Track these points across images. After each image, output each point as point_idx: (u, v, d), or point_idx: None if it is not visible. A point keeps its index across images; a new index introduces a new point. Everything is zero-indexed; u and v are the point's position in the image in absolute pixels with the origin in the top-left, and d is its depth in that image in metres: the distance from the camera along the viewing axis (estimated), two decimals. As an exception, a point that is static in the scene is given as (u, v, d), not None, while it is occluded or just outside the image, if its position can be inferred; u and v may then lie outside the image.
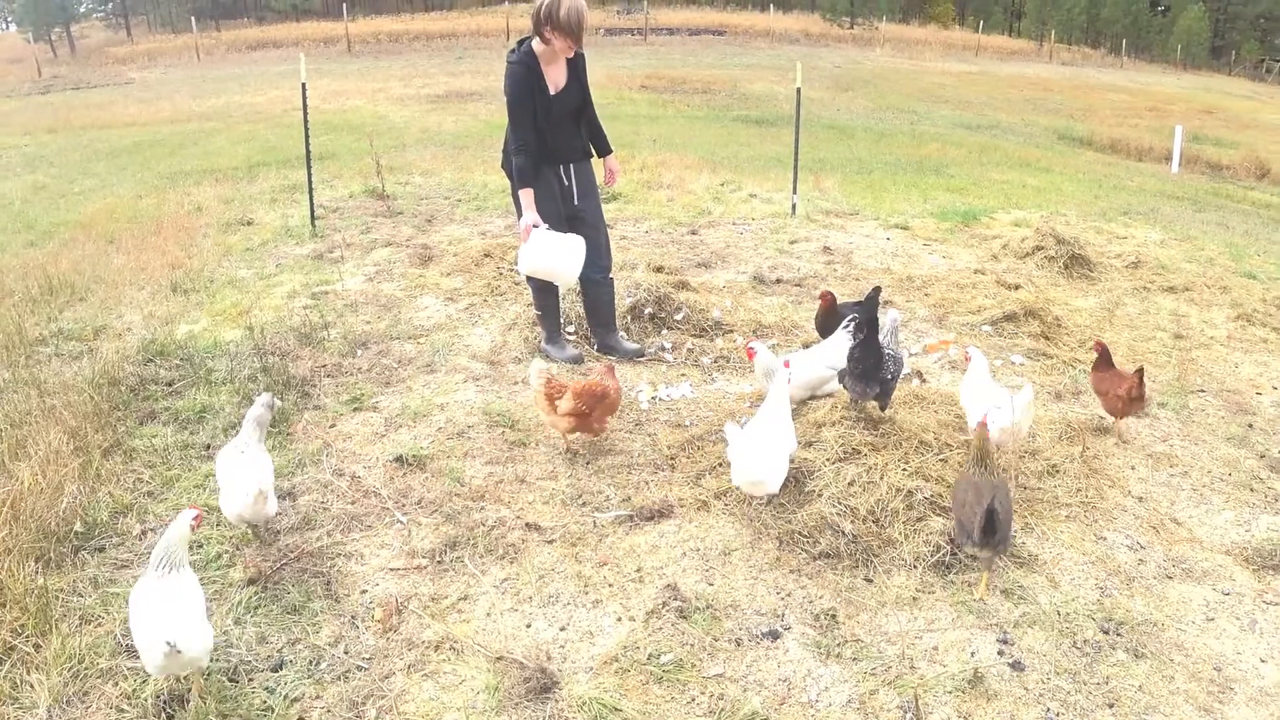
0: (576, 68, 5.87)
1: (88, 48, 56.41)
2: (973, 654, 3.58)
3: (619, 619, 3.74)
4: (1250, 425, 5.77)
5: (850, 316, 5.38)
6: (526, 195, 5.66)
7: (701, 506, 4.53)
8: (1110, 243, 10.38)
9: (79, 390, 5.51)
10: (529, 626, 3.70)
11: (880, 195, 12.97)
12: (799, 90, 11.35)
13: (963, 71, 41.51)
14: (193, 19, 50.89)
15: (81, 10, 72.84)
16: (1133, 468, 5.15)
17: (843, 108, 26.86)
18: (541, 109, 5.67)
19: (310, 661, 3.47)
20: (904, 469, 4.40)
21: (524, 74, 5.59)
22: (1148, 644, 3.67)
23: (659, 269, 7.98)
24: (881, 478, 4.34)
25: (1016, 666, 3.51)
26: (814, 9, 63.28)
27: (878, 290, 5.39)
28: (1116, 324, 7.50)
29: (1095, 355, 5.55)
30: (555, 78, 5.73)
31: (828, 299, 6.22)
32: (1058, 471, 4.92)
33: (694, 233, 10.15)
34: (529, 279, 6.16)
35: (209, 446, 5.04)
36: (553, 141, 5.82)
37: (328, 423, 5.41)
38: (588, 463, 4.99)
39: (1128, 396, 5.21)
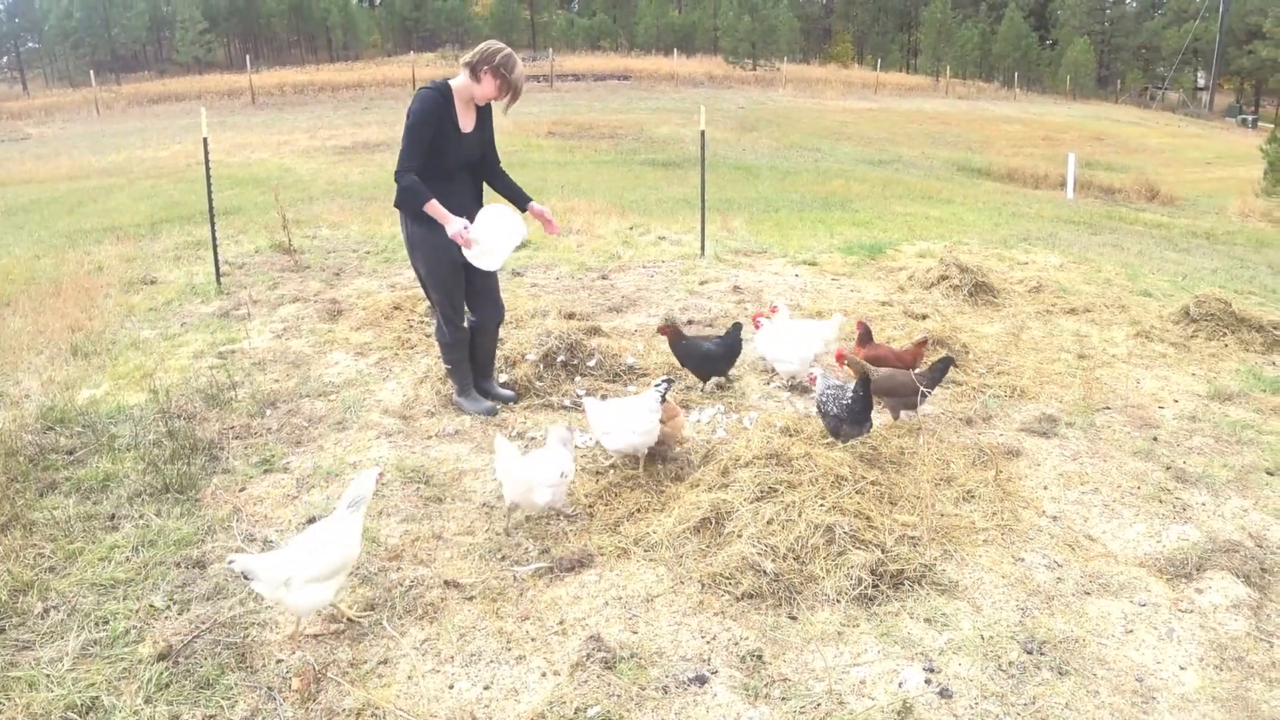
0: (484, 120, 5.86)
1: (-20, 105, 54.95)
2: (900, 684, 3.59)
3: (544, 674, 3.67)
4: (1155, 438, 5.93)
5: (664, 379, 5.44)
6: (434, 206, 5.50)
7: (622, 554, 4.49)
8: (1012, 269, 10.67)
9: (-27, 464, 5.30)
10: (452, 687, 3.61)
11: (787, 233, 13.16)
12: (703, 132, 11.49)
13: (863, 109, 42.52)
14: (91, 73, 49.89)
15: (-26, 65, 71.10)
16: (1045, 487, 5.24)
17: (748, 147, 27.28)
18: (453, 144, 5.62)
19: (224, 737, 3.34)
20: (821, 504, 4.42)
21: (439, 101, 5.52)
22: (1071, 661, 3.72)
23: (570, 315, 7.98)
24: (800, 515, 4.35)
25: (944, 694, 3.52)
26: (717, 52, 64.47)
27: (738, 326, 6.46)
28: (1022, 347, 7.68)
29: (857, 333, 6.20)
30: (465, 119, 5.70)
31: (668, 330, 6.52)
32: (973, 497, 4.99)
33: (604, 277, 10.17)
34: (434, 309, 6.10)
35: (113, 517, 4.87)
36: (457, 198, 5.72)
37: (237, 486, 5.26)
38: (505, 515, 4.92)
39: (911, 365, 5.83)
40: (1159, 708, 3.50)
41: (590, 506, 4.97)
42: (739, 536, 4.33)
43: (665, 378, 5.46)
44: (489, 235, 5.66)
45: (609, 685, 3.55)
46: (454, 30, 75.51)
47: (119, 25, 65.28)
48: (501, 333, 7.06)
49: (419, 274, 6.01)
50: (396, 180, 5.54)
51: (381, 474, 4.13)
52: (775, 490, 4.53)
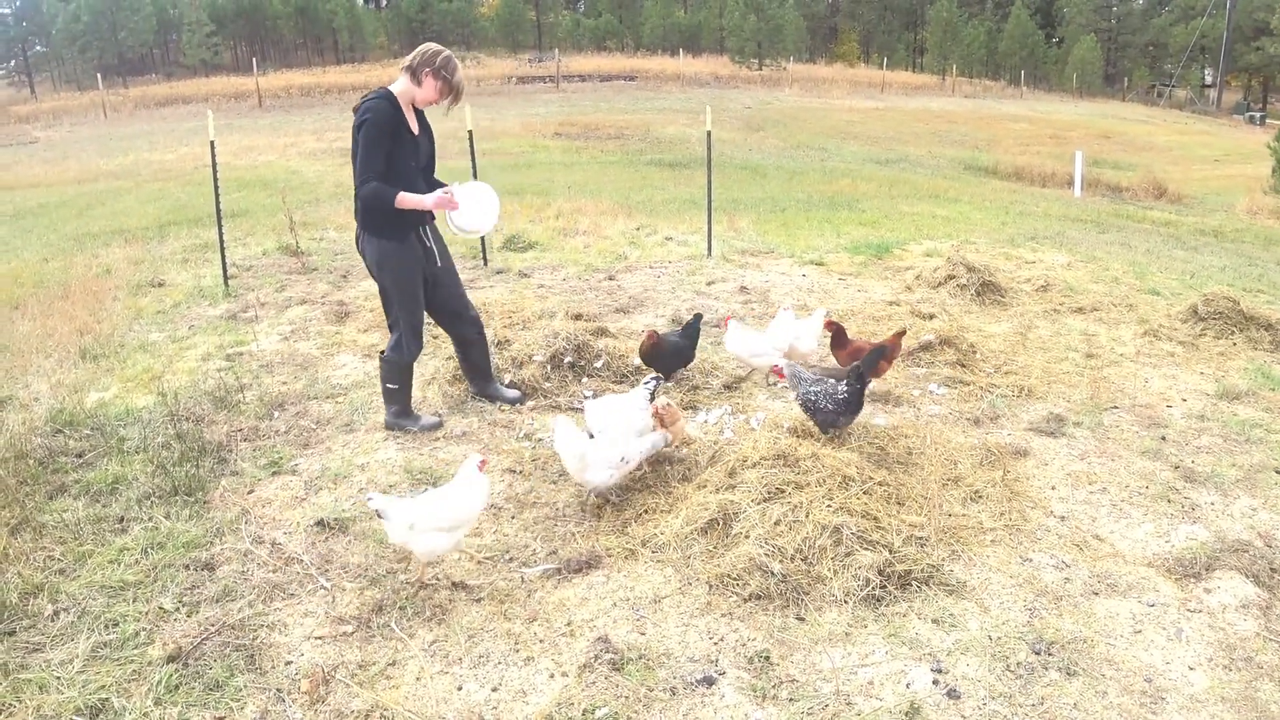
0: (425, 123, 5.82)
1: (-11, 107, 55.11)
2: (908, 685, 3.59)
3: (552, 675, 3.67)
4: (1163, 438, 5.91)
5: (653, 377, 5.57)
6: (405, 197, 5.43)
7: (629, 555, 4.49)
8: (1019, 268, 10.65)
9: (-17, 466, 5.32)
10: (460, 689, 3.62)
11: (794, 232, 13.15)
12: (709, 133, 11.49)
13: (870, 108, 42.48)
14: (99, 76, 49.97)
15: (-19, 68, 71.35)
16: (1053, 488, 5.24)
17: (754, 147, 27.27)
18: (409, 149, 5.57)
19: (234, 739, 3.35)
20: (829, 505, 4.41)
21: (389, 110, 5.44)
22: (1079, 661, 3.72)
23: (577, 316, 7.98)
24: (807, 515, 4.35)
25: (952, 695, 3.52)
26: (723, 52, 64.41)
27: (698, 317, 6.63)
28: (1030, 347, 7.66)
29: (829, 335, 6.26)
30: (412, 123, 5.64)
31: (653, 337, 6.53)
32: (981, 497, 4.99)
33: (611, 278, 10.18)
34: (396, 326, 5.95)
35: (122, 519, 4.88)
36: None
37: (245, 488, 5.27)
38: (513, 517, 4.93)
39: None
40: (1168, 708, 3.49)
41: (598, 508, 4.98)
42: (746, 537, 4.33)
43: (654, 375, 5.48)
44: (471, 202, 5.71)
45: (617, 686, 3.56)
46: (460, 32, 75.51)
47: (126, 28, 65.36)
48: (509, 334, 7.09)
49: (385, 290, 5.85)
50: (360, 191, 5.44)
51: (484, 461, 4.40)
52: (782, 491, 4.53)
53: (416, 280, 5.81)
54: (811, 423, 5.47)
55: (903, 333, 6.44)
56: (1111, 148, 32.83)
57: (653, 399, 5.37)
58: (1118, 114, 49.58)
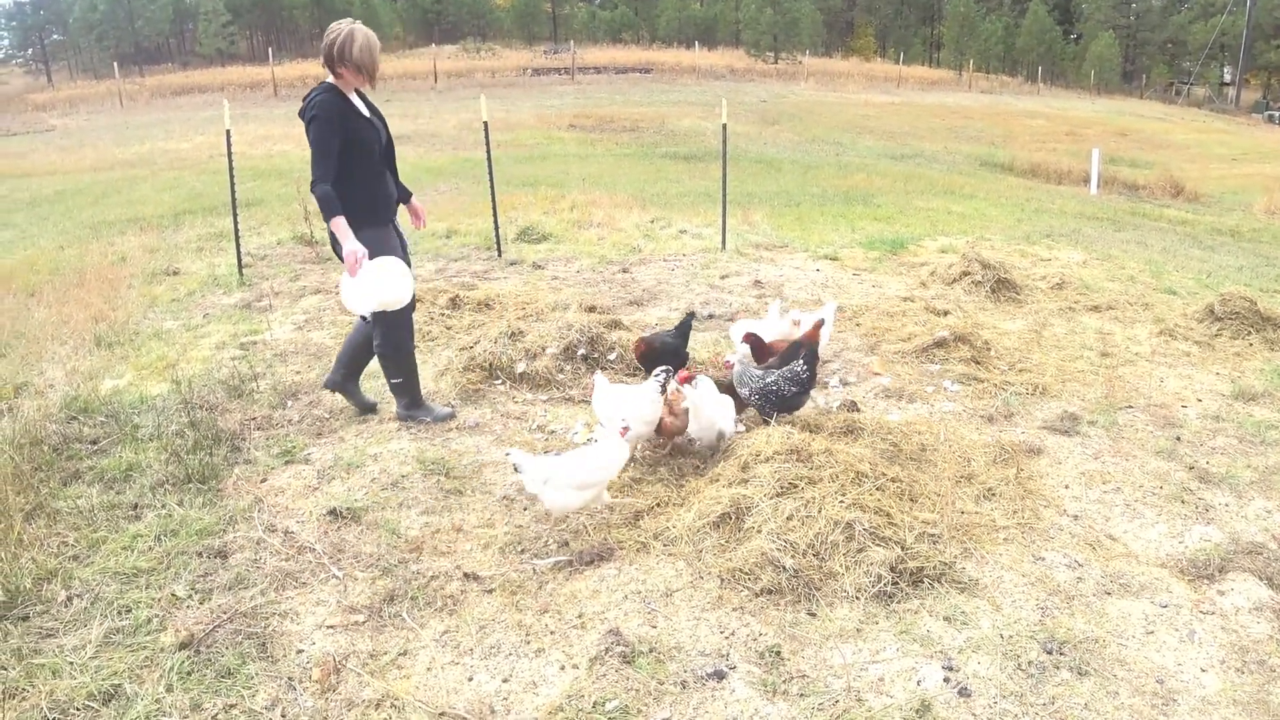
0: (372, 106, 5.67)
1: (6, 94, 55.37)
2: (919, 683, 3.58)
3: (562, 667, 3.67)
4: (1178, 438, 5.88)
5: (663, 369, 5.49)
6: (340, 223, 5.22)
7: (641, 548, 4.49)
8: (1035, 265, 10.61)
9: (-2, 452, 5.35)
10: (471, 680, 3.62)
11: (809, 227, 13.12)
12: (725, 125, 11.47)
13: (886, 102, 42.33)
14: (115, 64, 50.15)
15: (0, 56, 71.64)
16: (1066, 486, 5.21)
17: (769, 141, 27.21)
18: (368, 133, 5.42)
19: (245, 727, 3.36)
20: (841, 501, 4.40)
21: (337, 102, 5.30)
22: (1091, 661, 3.70)
23: (591, 308, 7.98)
24: (819, 511, 4.34)
25: (963, 692, 3.51)
26: (738, 45, 64.32)
27: (690, 315, 6.49)
28: (1044, 345, 7.63)
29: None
30: (361, 108, 5.51)
31: (641, 345, 6.46)
32: (993, 495, 4.97)
33: (625, 270, 10.17)
34: (375, 321, 5.73)
35: (136, 506, 4.90)
36: (388, 190, 5.61)
37: (259, 477, 5.29)
38: (525, 508, 4.93)
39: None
40: (1179, 710, 3.47)
41: (609, 502, 4.98)
42: (758, 532, 4.32)
43: (664, 367, 5.49)
44: (374, 281, 5.35)
45: (627, 679, 3.56)
46: (475, 23, 75.60)
47: (142, 18, 65.63)
48: (522, 325, 7.09)
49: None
50: (312, 191, 5.24)
51: (626, 429, 4.69)
52: (795, 486, 4.52)
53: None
54: (767, 414, 5.51)
55: (820, 324, 6.37)
56: (1128, 145, 32.66)
57: (663, 391, 5.38)
58: (1135, 111, 49.30)
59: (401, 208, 5.94)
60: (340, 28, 5.30)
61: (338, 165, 5.23)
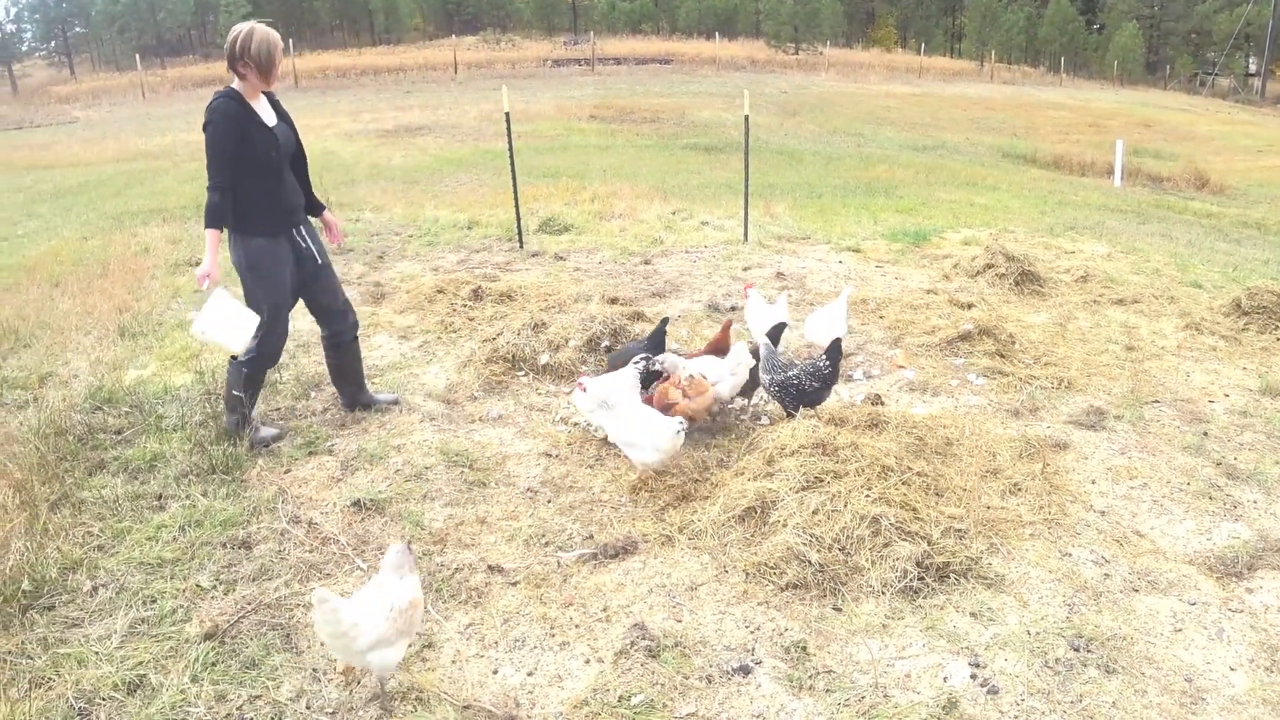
0: (281, 110, 5.54)
1: (30, 87, 55.73)
2: (945, 679, 3.56)
3: (587, 661, 3.67)
4: (1205, 433, 5.83)
5: (641, 356, 5.54)
6: (212, 237, 5.08)
7: (666, 542, 4.48)
8: (1059, 258, 10.52)
9: (24, 441, 5.38)
10: (496, 672, 3.62)
11: (831, 219, 13.06)
12: (746, 117, 11.42)
13: (907, 93, 42.07)
14: (137, 56, 50.42)
15: (23, 49, 72.14)
16: (1093, 481, 5.17)
17: (790, 132, 27.08)
18: (267, 140, 5.24)
19: (272, 718, 3.37)
20: (867, 495, 4.38)
21: (235, 109, 5.14)
22: (1118, 659, 3.67)
23: (613, 300, 7.96)
24: (845, 505, 4.32)
25: (990, 690, 3.49)
26: (759, 36, 64.09)
27: (664, 321, 6.32)
28: (1069, 338, 7.57)
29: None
30: (265, 114, 5.33)
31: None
32: (1020, 490, 4.94)
33: (647, 262, 10.15)
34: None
35: (160, 497, 4.93)
36: (286, 199, 5.44)
37: (282, 468, 5.30)
38: (549, 501, 4.93)
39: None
40: (1208, 709, 3.44)
41: (635, 493, 4.97)
42: (784, 526, 4.30)
43: (642, 355, 5.48)
44: (223, 314, 5.24)
45: (653, 673, 3.55)
46: (495, 14, 75.53)
47: (164, 10, 65.88)
48: (545, 317, 7.08)
49: (248, 289, 5.43)
50: (209, 195, 5.11)
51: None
52: (821, 480, 4.50)
53: (285, 279, 5.47)
54: (788, 407, 5.52)
55: (729, 324, 6.37)
56: (1152, 137, 32.34)
57: (644, 379, 5.47)
58: (1159, 102, 48.83)
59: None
60: (241, 27, 5.21)
61: (233, 172, 5.10)
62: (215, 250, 5.09)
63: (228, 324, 5.22)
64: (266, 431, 5.69)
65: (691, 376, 5.42)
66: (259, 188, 5.23)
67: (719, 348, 6.05)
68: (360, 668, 3.42)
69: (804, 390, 5.44)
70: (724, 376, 5.70)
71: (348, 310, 5.91)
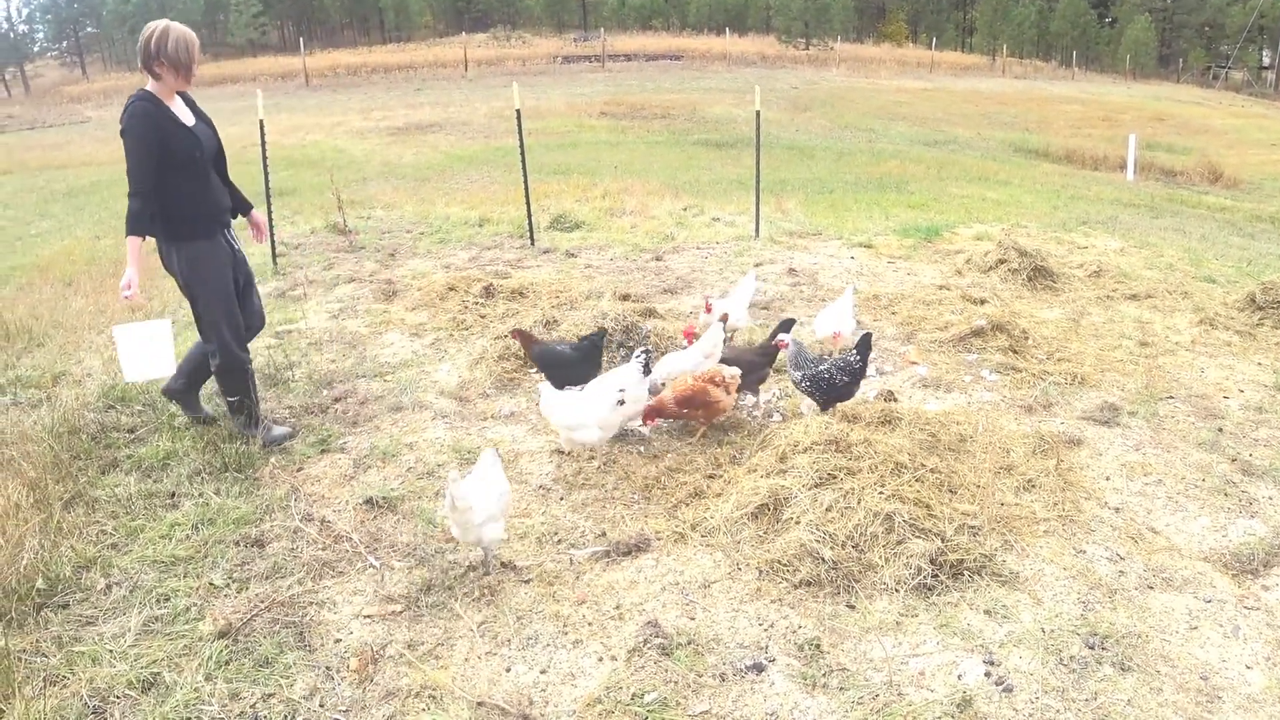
0: (198, 109, 5.40)
1: (42, 87, 56.00)
2: (960, 677, 3.54)
3: (600, 659, 3.67)
4: (1220, 429, 5.79)
5: (643, 350, 5.52)
6: (134, 245, 5.02)
7: (679, 539, 4.47)
8: (1071, 253, 10.48)
9: (38, 440, 5.39)
10: (509, 670, 3.62)
11: (842, 214, 13.03)
12: (758, 113, 11.40)
13: (918, 88, 41.96)
14: (147, 57, 50.51)
15: (35, 49, 72.46)
16: (1107, 478, 5.15)
17: (801, 128, 27.03)
18: (188, 141, 5.12)
19: (285, 716, 3.37)
20: (881, 492, 4.37)
21: (153, 110, 5.02)
22: (1133, 656, 3.65)
23: (625, 297, 7.95)
24: (859, 502, 4.30)
25: (1005, 688, 3.47)
26: (769, 31, 64.02)
27: (601, 333, 6.28)
28: (1082, 334, 7.54)
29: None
30: (183, 115, 5.21)
31: (518, 335, 6.37)
32: (1034, 486, 4.92)
33: (659, 259, 10.14)
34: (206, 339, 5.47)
35: (173, 495, 4.94)
36: (215, 200, 5.33)
37: (295, 466, 5.31)
38: (561, 498, 4.93)
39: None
40: (1224, 707, 3.42)
41: (647, 490, 4.96)
42: (797, 523, 4.29)
43: (644, 349, 5.49)
44: (135, 346, 5.24)
45: (666, 671, 3.54)
46: (505, 11, 75.57)
47: (175, 9, 65.92)
48: (556, 314, 7.08)
49: (197, 298, 5.35)
50: (130, 202, 5.02)
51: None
52: (834, 477, 4.49)
53: (229, 278, 5.40)
54: (817, 401, 5.55)
55: (691, 330, 6.42)
56: (1165, 131, 32.18)
57: (646, 372, 5.45)
58: (1172, 96, 48.57)
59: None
60: (155, 25, 5.12)
61: (157, 176, 5.01)
62: (138, 259, 5.03)
63: (146, 352, 5.21)
64: (279, 430, 5.68)
65: (735, 375, 5.47)
66: (187, 190, 5.14)
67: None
68: (473, 541, 4.13)
69: (835, 384, 5.44)
70: (699, 360, 5.83)
71: (256, 325, 5.75)
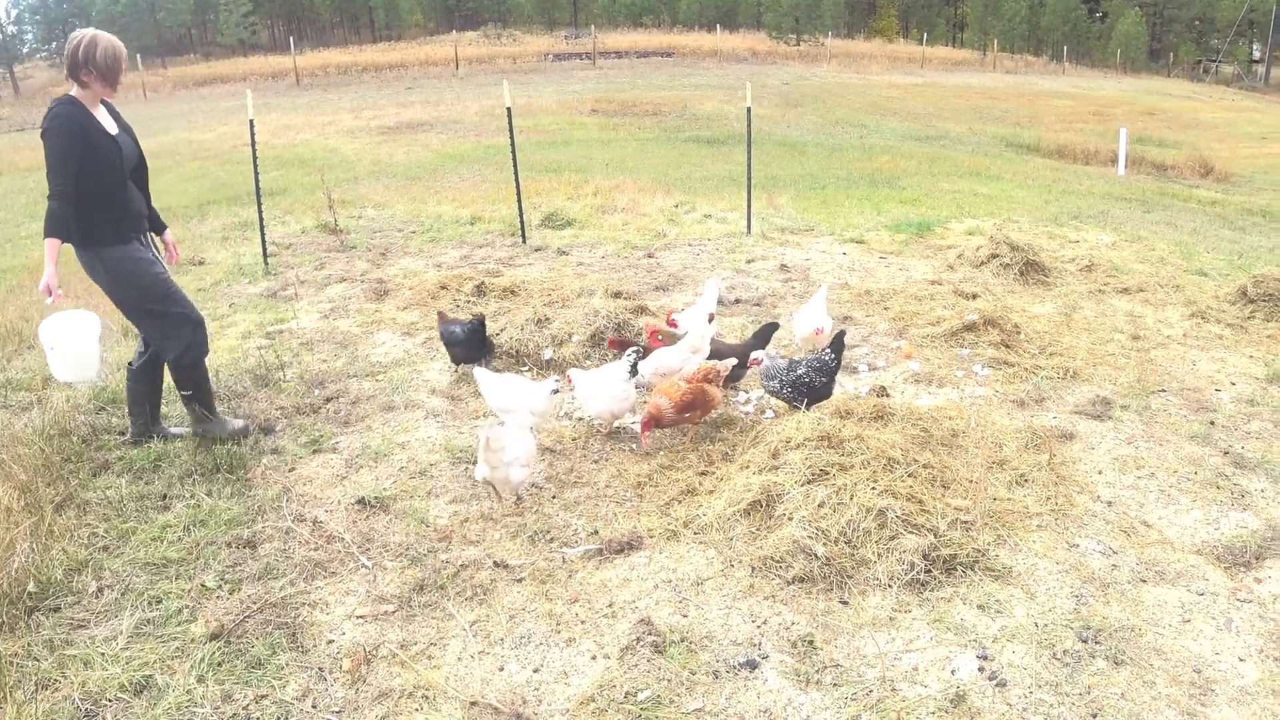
0: (121, 119, 5.34)
1: (31, 88, 55.79)
2: (953, 672, 3.54)
3: (593, 657, 3.66)
4: (1212, 422, 5.80)
5: (633, 349, 5.58)
6: (52, 247, 4.97)
7: (671, 536, 4.47)
8: (1063, 247, 10.49)
9: (28, 443, 5.36)
10: (502, 669, 3.61)
11: (834, 210, 13.04)
12: (749, 109, 11.39)
13: (909, 84, 41.98)
14: (138, 56, 50.38)
15: (25, 51, 72.21)
16: (1100, 472, 5.15)
17: (793, 124, 27.01)
18: (111, 149, 5.07)
19: (278, 718, 3.36)
20: (873, 488, 4.36)
21: (78, 114, 4.97)
22: (1127, 650, 3.65)
23: (617, 294, 7.94)
24: (851, 498, 4.30)
25: (998, 682, 3.47)
26: (760, 27, 64.01)
27: (480, 319, 6.49)
28: (1074, 328, 7.55)
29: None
30: (106, 122, 5.15)
31: (442, 317, 6.73)
32: (1026, 481, 4.92)
33: (650, 256, 10.13)
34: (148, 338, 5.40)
35: (165, 497, 4.92)
36: (132, 207, 5.23)
37: (287, 466, 5.30)
38: (554, 496, 4.92)
39: None
40: (1217, 700, 3.42)
41: (639, 488, 4.96)
42: (790, 520, 4.29)
43: (636, 347, 5.50)
44: (61, 347, 5.21)
45: (659, 669, 3.54)
46: (496, 9, 75.48)
47: (164, 9, 66.00)
48: (548, 312, 7.07)
49: (130, 301, 5.29)
50: (49, 203, 4.96)
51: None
52: (826, 473, 4.48)
53: (160, 271, 5.31)
54: (797, 405, 5.50)
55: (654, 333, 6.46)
56: (1156, 125, 32.24)
57: (634, 372, 5.48)
58: (1162, 90, 48.66)
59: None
60: (83, 33, 5.05)
61: (77, 181, 4.95)
62: (55, 259, 4.99)
63: (75, 353, 5.19)
64: (236, 423, 5.64)
65: (715, 367, 5.48)
66: (105, 197, 5.09)
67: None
68: (500, 480, 4.66)
69: (815, 386, 5.45)
70: (687, 358, 5.83)
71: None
